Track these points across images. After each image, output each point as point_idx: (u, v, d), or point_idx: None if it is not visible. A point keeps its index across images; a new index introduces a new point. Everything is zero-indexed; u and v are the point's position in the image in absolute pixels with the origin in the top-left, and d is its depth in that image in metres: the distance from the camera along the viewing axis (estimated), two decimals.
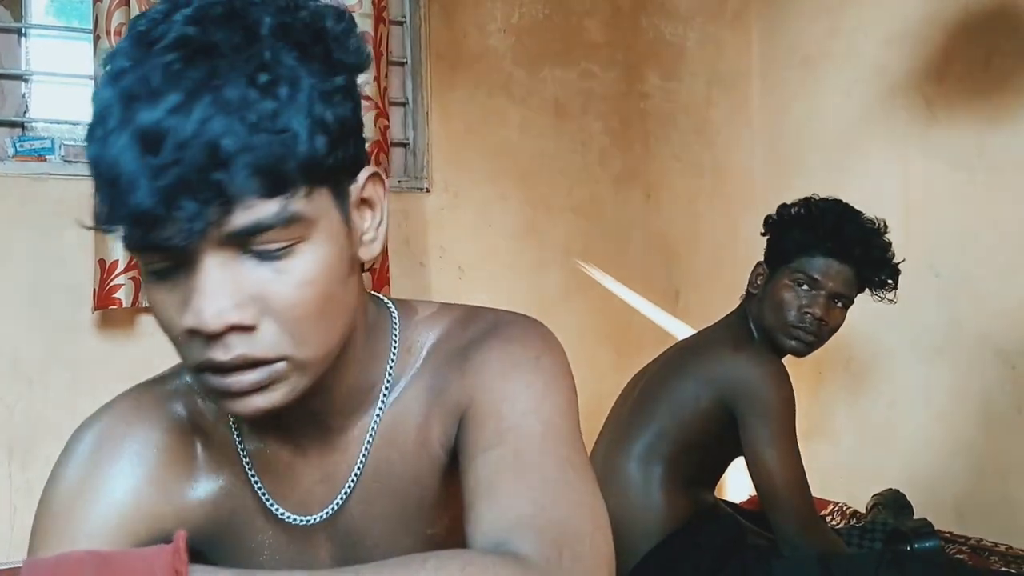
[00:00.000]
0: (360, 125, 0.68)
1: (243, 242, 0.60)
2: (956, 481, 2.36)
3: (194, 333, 0.61)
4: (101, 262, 2.00)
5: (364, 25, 2.25)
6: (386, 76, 2.33)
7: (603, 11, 2.80)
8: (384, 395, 0.78)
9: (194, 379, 0.67)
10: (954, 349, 2.37)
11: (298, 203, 0.61)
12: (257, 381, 0.63)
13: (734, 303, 1.85)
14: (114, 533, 0.74)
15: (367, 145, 2.18)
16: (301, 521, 0.79)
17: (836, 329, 1.75)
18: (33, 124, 2.15)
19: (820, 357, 2.57)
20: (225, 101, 0.56)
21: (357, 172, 0.69)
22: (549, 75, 2.71)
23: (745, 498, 2.65)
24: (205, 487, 0.79)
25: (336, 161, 0.63)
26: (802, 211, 1.75)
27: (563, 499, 0.65)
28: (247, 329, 0.62)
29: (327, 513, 0.78)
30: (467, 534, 0.65)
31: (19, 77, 2.14)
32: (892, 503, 2.19)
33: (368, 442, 0.78)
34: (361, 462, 0.78)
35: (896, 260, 1.74)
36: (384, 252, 2.29)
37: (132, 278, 2.00)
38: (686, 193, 2.93)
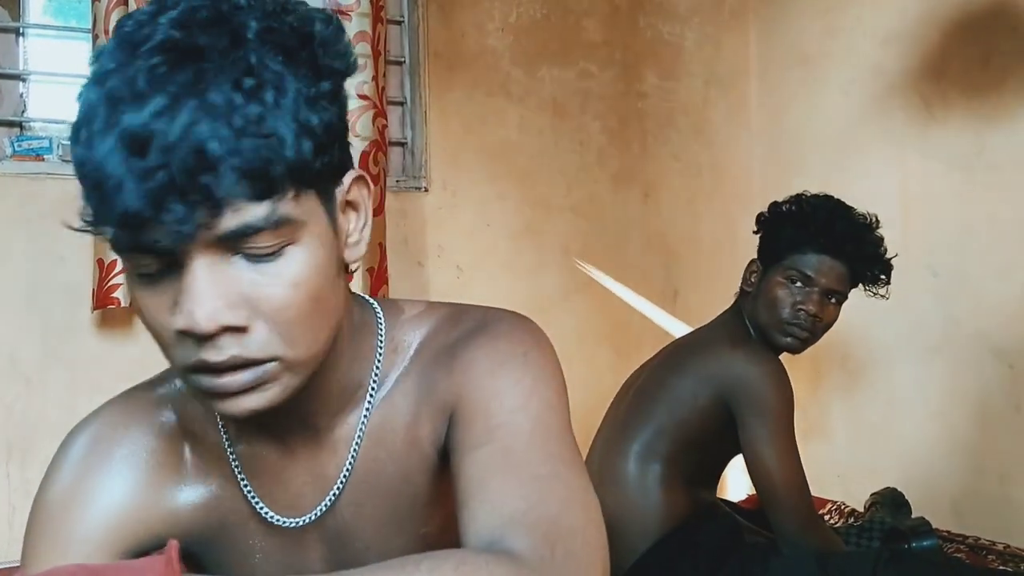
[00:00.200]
0: (346, 129, 0.68)
1: (233, 244, 0.60)
2: (954, 480, 2.36)
3: (185, 335, 0.61)
4: (100, 261, 2.00)
5: (362, 24, 2.25)
6: (384, 75, 2.33)
7: (601, 11, 2.80)
8: (372, 394, 0.78)
9: (184, 380, 0.67)
10: (952, 348, 2.38)
11: (286, 206, 0.61)
12: (249, 381, 0.64)
13: (731, 302, 1.85)
14: (105, 538, 0.75)
15: (366, 144, 2.21)
16: (290, 523, 0.78)
17: (831, 325, 1.75)
18: (31, 124, 2.15)
19: (818, 356, 2.58)
20: (210, 105, 0.56)
21: (343, 175, 0.69)
22: (547, 75, 2.71)
23: (744, 497, 2.66)
24: (195, 491, 0.79)
25: (322, 165, 0.63)
26: (793, 208, 1.75)
27: (554, 495, 0.65)
28: (239, 330, 0.62)
29: (316, 514, 0.78)
30: (460, 533, 0.65)
31: (17, 77, 2.14)
32: (890, 502, 2.19)
33: (357, 441, 0.77)
34: (350, 462, 0.78)
35: (888, 255, 1.75)
36: (382, 252, 2.29)
37: None
38: (684, 193, 2.94)
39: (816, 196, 1.76)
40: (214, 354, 0.62)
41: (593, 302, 2.76)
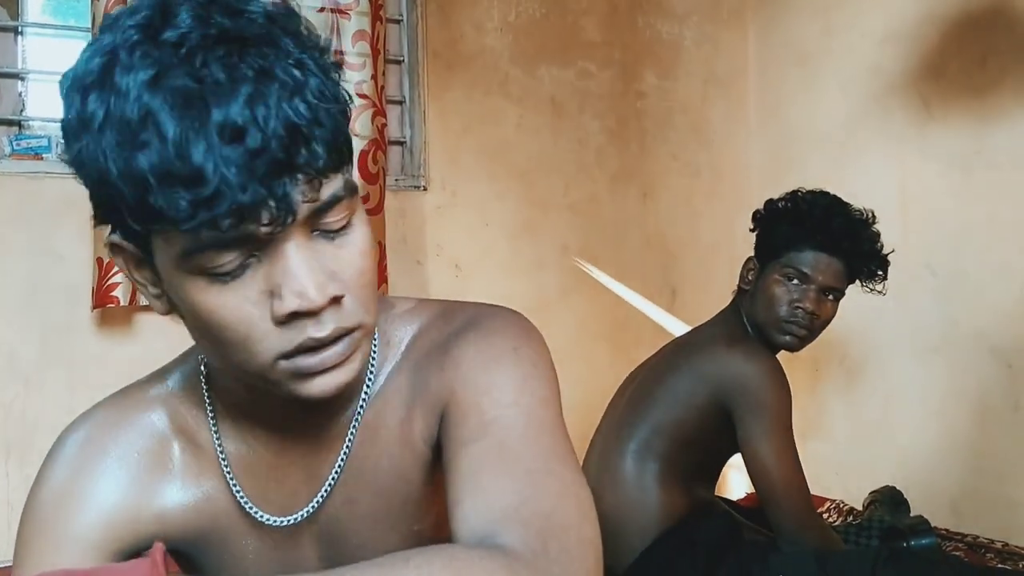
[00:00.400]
0: None
1: (313, 222, 0.63)
2: (952, 478, 2.36)
3: (294, 317, 0.62)
4: (99, 260, 2.00)
5: (361, 23, 2.25)
6: (383, 74, 2.33)
7: (600, 10, 2.80)
8: (367, 389, 0.78)
9: (268, 374, 0.65)
10: (950, 347, 2.38)
11: (351, 174, 0.66)
12: (345, 351, 0.66)
13: (729, 301, 1.85)
14: (97, 538, 0.75)
15: (365, 143, 2.21)
16: (281, 522, 0.78)
17: (828, 322, 1.75)
18: (30, 123, 2.15)
19: (816, 355, 2.58)
20: (283, 83, 0.58)
21: None
22: (546, 74, 2.71)
23: (743, 495, 2.66)
24: (187, 492, 0.79)
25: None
26: (789, 205, 1.75)
27: (548, 490, 0.65)
28: (337, 301, 0.64)
29: (309, 511, 0.78)
30: (452, 529, 0.65)
31: (15, 75, 2.14)
32: (889, 500, 2.20)
33: (350, 438, 0.77)
34: (343, 458, 0.77)
35: (885, 251, 1.74)
36: (381, 250, 2.29)
37: None
38: (683, 191, 2.94)
39: (812, 192, 1.76)
40: (319, 329, 0.64)
41: (592, 301, 2.76)
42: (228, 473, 0.78)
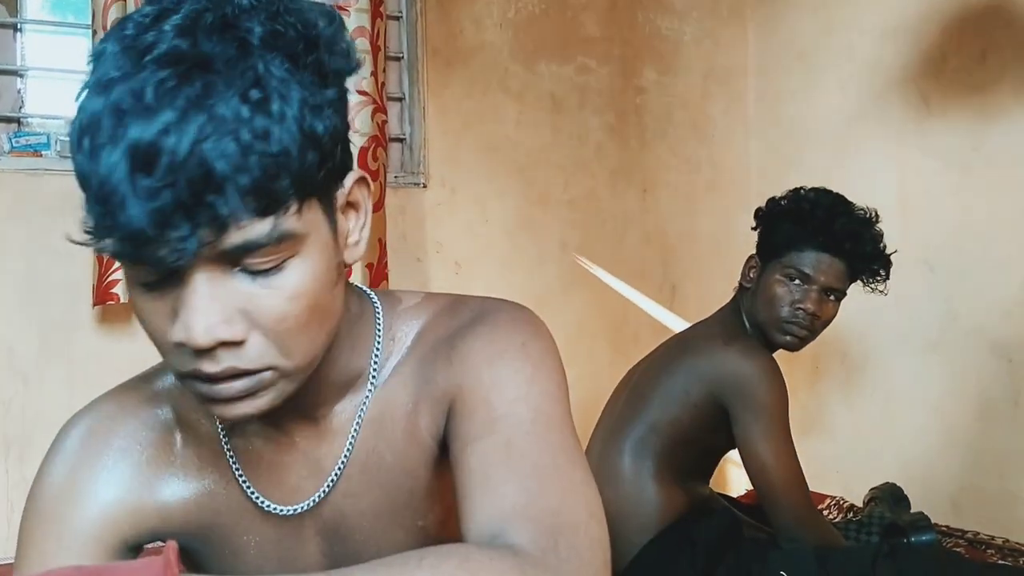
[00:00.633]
0: (347, 129, 0.67)
1: (234, 259, 0.60)
2: (952, 474, 2.37)
3: (182, 345, 0.61)
4: (100, 257, 1.99)
5: (361, 20, 2.25)
6: (383, 71, 2.33)
7: (599, 6, 2.80)
8: (372, 382, 0.78)
9: (181, 383, 0.68)
10: (950, 343, 2.38)
11: (289, 221, 0.60)
12: (244, 389, 0.64)
13: (730, 298, 1.85)
14: (100, 531, 0.75)
15: (365, 140, 2.20)
16: (287, 511, 0.78)
17: (829, 322, 1.74)
18: (29, 120, 2.14)
19: (816, 352, 2.58)
20: (218, 119, 0.55)
21: (344, 177, 0.68)
22: (546, 70, 2.71)
23: (743, 492, 2.66)
24: (191, 485, 0.79)
25: (326, 172, 0.63)
26: (791, 204, 1.74)
27: (556, 487, 0.64)
28: (235, 344, 0.62)
29: (313, 501, 0.78)
30: (461, 526, 0.65)
31: (14, 72, 2.13)
32: (889, 497, 2.19)
33: (355, 430, 0.77)
34: (348, 451, 0.77)
35: (888, 251, 1.74)
36: (382, 247, 2.29)
37: None
38: (682, 188, 2.94)
39: (814, 191, 1.75)
40: (210, 365, 0.62)
41: (591, 297, 2.76)
42: (234, 465, 0.78)
